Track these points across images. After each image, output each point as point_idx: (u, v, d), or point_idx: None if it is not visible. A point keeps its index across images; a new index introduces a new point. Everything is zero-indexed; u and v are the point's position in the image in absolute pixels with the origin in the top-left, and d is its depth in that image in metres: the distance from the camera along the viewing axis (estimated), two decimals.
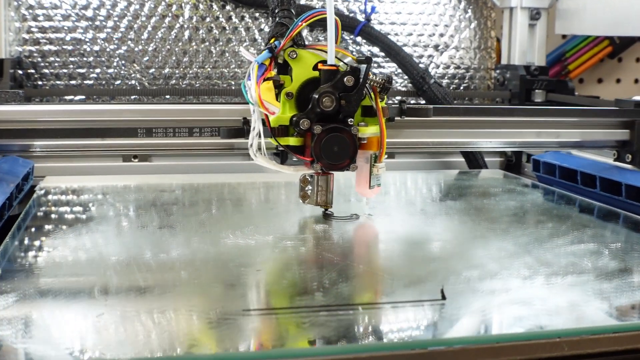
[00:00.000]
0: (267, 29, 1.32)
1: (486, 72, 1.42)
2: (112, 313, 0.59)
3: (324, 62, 0.82)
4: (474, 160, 1.30)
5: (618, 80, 1.70)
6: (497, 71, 1.38)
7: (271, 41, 0.84)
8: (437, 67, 1.40)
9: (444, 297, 0.63)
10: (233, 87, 1.31)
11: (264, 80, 0.82)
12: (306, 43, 0.84)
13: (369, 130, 0.83)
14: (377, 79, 0.83)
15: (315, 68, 0.83)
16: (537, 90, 1.32)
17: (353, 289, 0.66)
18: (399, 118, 0.86)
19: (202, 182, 1.11)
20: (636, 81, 1.71)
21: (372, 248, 0.84)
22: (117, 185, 1.07)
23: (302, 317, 0.60)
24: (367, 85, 0.82)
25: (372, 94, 0.83)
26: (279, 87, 0.82)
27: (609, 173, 1.04)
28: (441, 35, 1.40)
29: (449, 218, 0.92)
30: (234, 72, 1.32)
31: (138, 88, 1.28)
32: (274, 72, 0.82)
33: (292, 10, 0.84)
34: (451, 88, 1.40)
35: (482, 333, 0.59)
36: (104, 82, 1.27)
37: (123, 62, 1.27)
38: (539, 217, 0.94)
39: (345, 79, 0.81)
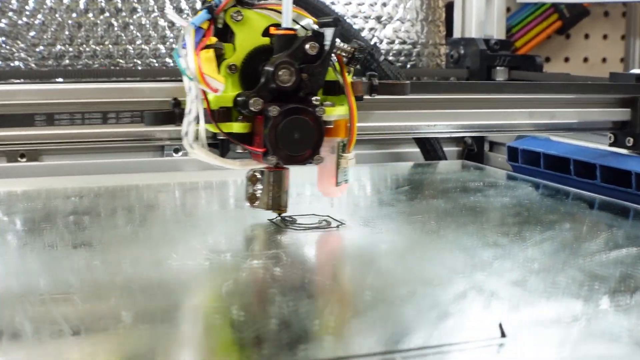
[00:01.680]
0: None
1: (435, 47, 1.24)
2: None
3: (277, 25, 0.67)
4: (432, 150, 1.12)
5: (566, 59, 1.55)
6: (449, 46, 1.20)
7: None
8: (381, 42, 1.22)
9: (503, 335, 0.46)
10: (139, 67, 1.09)
11: (203, 48, 0.65)
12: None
13: (336, 112, 0.67)
14: (345, 46, 0.68)
15: (265, 34, 0.67)
16: (499, 68, 1.15)
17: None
18: (368, 97, 0.70)
19: (109, 184, 0.89)
20: (585, 60, 1.57)
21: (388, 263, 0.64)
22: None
23: None
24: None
25: (337, 65, 0.68)
26: (219, 57, 0.66)
27: (609, 161, 0.88)
28: (384, 4, 1.21)
29: (447, 222, 0.75)
30: (140, 50, 1.09)
31: (24, 70, 1.05)
32: (214, 39, 0.66)
33: None
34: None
35: None
36: None
37: (4, 38, 1.04)
38: (548, 217, 0.76)
39: (307, 46, 0.65)
